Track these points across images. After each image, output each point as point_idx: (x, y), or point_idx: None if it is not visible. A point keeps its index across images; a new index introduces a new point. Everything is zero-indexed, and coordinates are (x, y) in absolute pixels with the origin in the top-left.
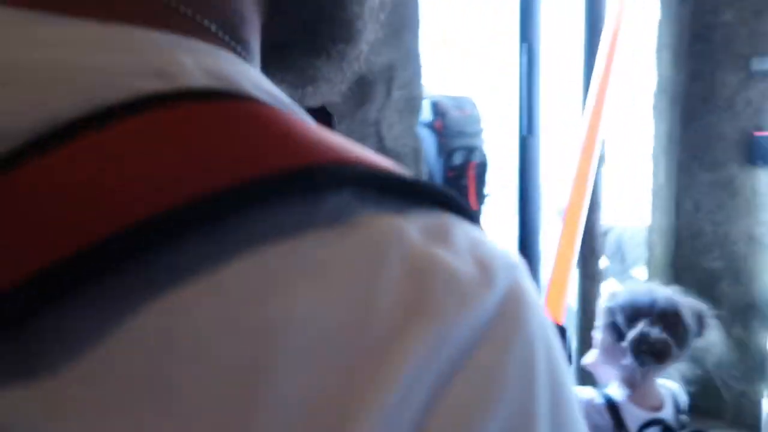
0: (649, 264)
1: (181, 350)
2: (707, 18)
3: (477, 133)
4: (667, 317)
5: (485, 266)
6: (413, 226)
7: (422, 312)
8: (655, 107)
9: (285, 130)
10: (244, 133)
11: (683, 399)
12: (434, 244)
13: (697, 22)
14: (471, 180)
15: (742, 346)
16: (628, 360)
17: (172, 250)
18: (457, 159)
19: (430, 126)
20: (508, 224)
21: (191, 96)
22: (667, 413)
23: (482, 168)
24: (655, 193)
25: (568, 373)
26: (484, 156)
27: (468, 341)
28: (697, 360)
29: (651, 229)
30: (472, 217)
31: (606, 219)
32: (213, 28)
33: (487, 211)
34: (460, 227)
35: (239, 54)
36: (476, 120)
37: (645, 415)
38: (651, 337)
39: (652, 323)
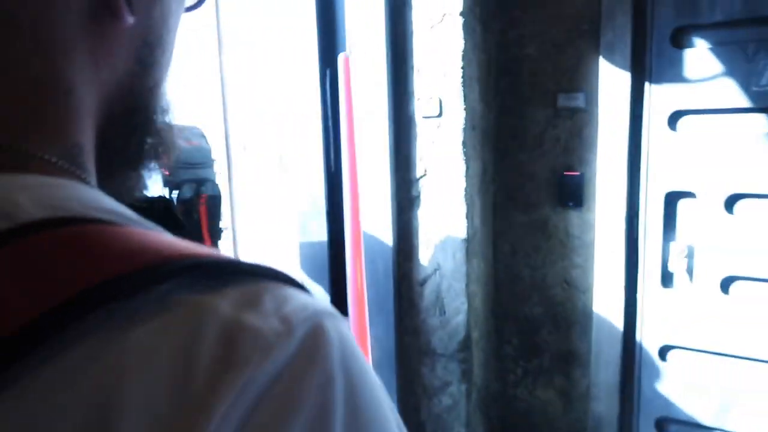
0: (469, 314)
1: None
2: (513, 50)
3: (207, 165)
4: None
5: (287, 320)
6: (226, 300)
7: (232, 365)
8: (465, 144)
9: (109, 243)
10: (72, 252)
11: None
12: (243, 312)
13: (504, 55)
14: (203, 214)
15: (564, 396)
16: None
17: (37, 352)
18: (187, 192)
19: None
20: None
21: (31, 229)
22: None
23: (214, 201)
24: (471, 237)
25: (377, 397)
26: (216, 188)
27: (271, 379)
28: (522, 413)
29: (469, 277)
30: (289, 280)
31: (423, 267)
32: (54, 159)
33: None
34: (271, 292)
35: (80, 177)
36: (205, 151)
37: None
38: None
39: None
